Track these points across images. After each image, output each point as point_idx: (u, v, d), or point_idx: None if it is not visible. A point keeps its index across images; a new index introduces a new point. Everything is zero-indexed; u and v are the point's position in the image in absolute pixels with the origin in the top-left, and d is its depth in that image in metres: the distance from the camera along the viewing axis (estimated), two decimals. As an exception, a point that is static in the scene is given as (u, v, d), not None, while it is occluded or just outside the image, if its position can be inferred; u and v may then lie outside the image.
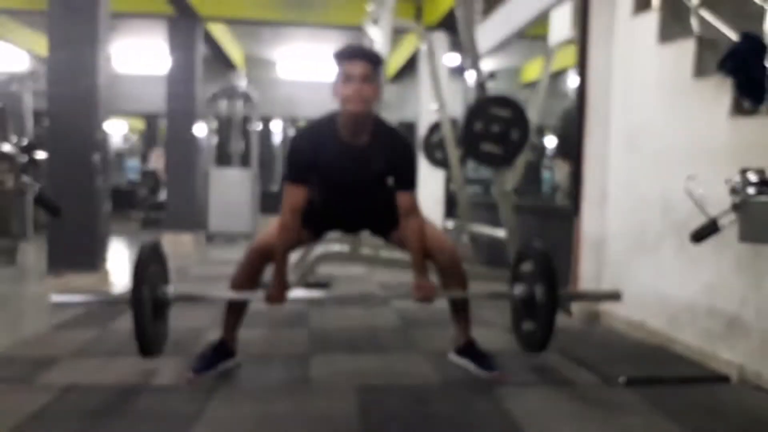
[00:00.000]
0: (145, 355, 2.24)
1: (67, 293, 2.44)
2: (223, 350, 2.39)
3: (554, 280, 2.37)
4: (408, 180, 2.33)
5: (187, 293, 2.67)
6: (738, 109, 2.46)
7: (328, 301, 3.65)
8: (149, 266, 2.26)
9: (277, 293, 2.27)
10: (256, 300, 2.34)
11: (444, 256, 2.39)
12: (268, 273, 2.39)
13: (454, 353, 2.53)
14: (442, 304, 2.50)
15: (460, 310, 2.50)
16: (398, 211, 2.34)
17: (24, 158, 4.95)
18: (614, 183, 3.39)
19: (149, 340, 2.22)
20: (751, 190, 1.96)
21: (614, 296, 2.77)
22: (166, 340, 2.44)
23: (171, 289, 2.39)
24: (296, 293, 2.44)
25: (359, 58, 2.15)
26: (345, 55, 2.17)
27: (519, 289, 2.52)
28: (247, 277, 2.38)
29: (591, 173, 3.49)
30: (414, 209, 2.32)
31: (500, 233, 4.00)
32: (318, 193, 2.38)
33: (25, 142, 5.64)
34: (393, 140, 2.33)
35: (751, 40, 2.41)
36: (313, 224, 2.46)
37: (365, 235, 2.85)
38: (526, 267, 2.52)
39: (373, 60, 2.19)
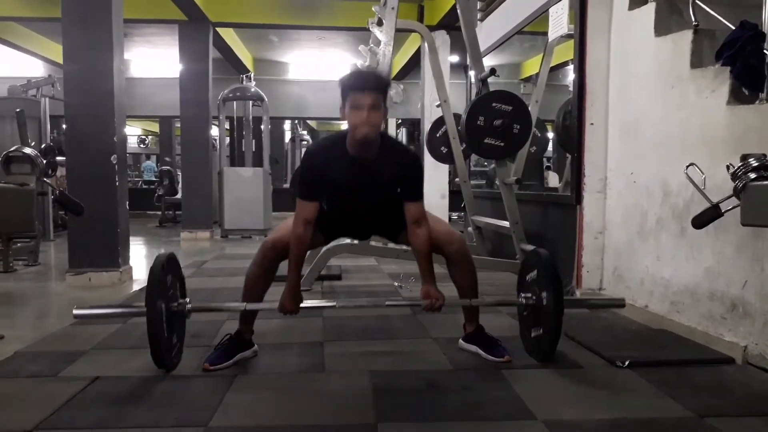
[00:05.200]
0: (160, 366, 2.26)
1: (90, 306, 2.50)
2: (239, 341, 2.45)
3: (559, 289, 2.35)
4: (416, 191, 2.37)
5: (203, 306, 2.66)
6: (736, 98, 2.47)
7: (341, 297, 3.68)
8: (164, 280, 2.25)
9: (291, 304, 2.32)
10: (270, 310, 2.36)
11: (453, 247, 2.45)
12: (282, 268, 2.44)
13: (463, 340, 2.60)
14: (451, 292, 2.52)
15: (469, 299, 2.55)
16: (406, 219, 2.37)
17: (44, 161, 5.12)
18: (614, 172, 3.43)
19: (164, 351, 2.23)
20: (752, 175, 1.98)
21: (619, 304, 2.76)
22: (182, 352, 2.43)
23: (187, 301, 2.39)
24: (308, 303, 2.44)
25: (368, 89, 2.17)
26: (354, 87, 2.19)
27: (525, 298, 2.52)
28: (262, 273, 2.43)
29: (591, 163, 3.53)
30: (421, 219, 2.34)
31: (504, 224, 4.04)
32: (329, 204, 2.42)
33: (43, 145, 5.81)
34: (400, 154, 2.38)
35: (748, 28, 2.43)
36: (324, 229, 2.50)
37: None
38: (532, 276, 2.50)
39: (380, 88, 2.21)
